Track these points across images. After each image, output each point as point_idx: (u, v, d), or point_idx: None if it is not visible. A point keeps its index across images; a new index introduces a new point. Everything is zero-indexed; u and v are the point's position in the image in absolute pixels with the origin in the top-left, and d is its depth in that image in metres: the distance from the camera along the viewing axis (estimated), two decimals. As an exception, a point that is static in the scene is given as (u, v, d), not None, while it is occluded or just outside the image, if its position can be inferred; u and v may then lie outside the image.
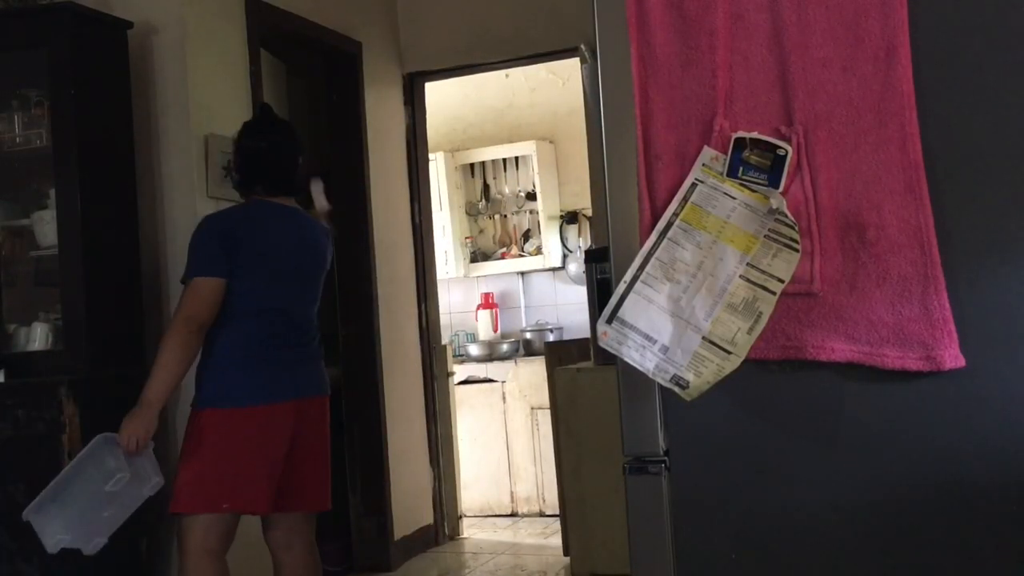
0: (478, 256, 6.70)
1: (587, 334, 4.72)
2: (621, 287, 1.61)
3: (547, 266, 6.51)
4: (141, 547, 3.49)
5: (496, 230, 6.74)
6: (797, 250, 1.54)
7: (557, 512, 4.95)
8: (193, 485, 3.04)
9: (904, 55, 1.53)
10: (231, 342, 3.10)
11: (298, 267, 3.25)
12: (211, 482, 3.04)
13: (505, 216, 6.71)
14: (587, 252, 4.29)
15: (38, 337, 3.53)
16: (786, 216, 1.54)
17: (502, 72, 6.19)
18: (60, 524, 2.93)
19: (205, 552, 3.06)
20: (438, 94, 6.02)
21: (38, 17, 3.55)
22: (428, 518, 5.26)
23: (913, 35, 1.53)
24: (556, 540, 4.94)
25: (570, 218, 6.50)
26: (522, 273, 6.68)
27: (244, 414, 3.07)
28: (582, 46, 4.19)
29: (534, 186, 6.47)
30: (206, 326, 3.07)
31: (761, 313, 1.54)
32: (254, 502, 3.10)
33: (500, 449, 5.99)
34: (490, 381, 6.08)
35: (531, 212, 6.61)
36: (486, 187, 6.72)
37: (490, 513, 5.95)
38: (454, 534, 5.41)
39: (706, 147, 1.60)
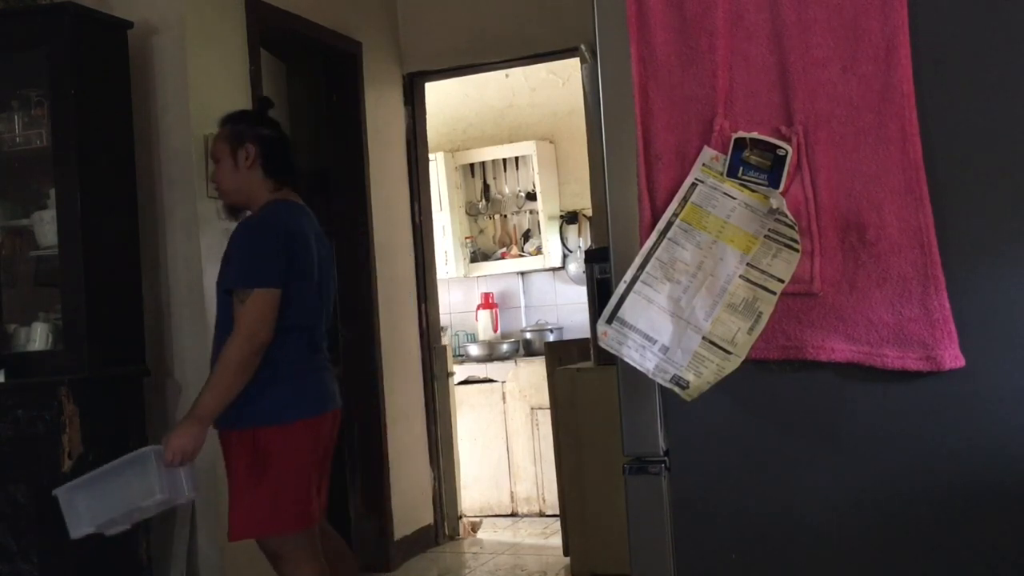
0: (478, 256, 6.70)
1: (587, 334, 4.73)
2: (621, 287, 1.61)
3: (547, 266, 6.50)
4: (141, 548, 3.49)
5: (496, 230, 6.74)
6: (797, 250, 1.54)
7: (557, 512, 4.96)
8: (271, 506, 2.98)
9: (904, 55, 1.53)
10: (281, 356, 2.99)
11: (323, 272, 3.17)
12: (287, 500, 2.99)
13: (505, 216, 6.71)
14: (587, 252, 4.29)
15: (38, 337, 3.53)
16: (786, 216, 1.54)
17: (502, 72, 6.19)
18: (86, 514, 2.90)
19: (314, 559, 3.05)
20: (438, 94, 6.02)
21: (38, 17, 3.55)
22: (428, 518, 5.26)
23: (913, 35, 1.53)
24: (556, 540, 4.94)
25: (570, 218, 6.49)
26: (522, 273, 6.68)
27: (302, 427, 3.01)
28: (582, 46, 4.20)
29: (534, 186, 6.47)
30: (267, 345, 2.94)
31: (761, 313, 1.55)
32: (316, 513, 3.09)
33: (500, 449, 5.99)
34: (490, 381, 6.07)
35: (531, 212, 6.60)
36: (486, 187, 6.71)
37: (490, 513, 5.95)
38: (454, 534, 5.41)
39: (706, 147, 1.61)
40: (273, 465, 2.96)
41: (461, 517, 5.50)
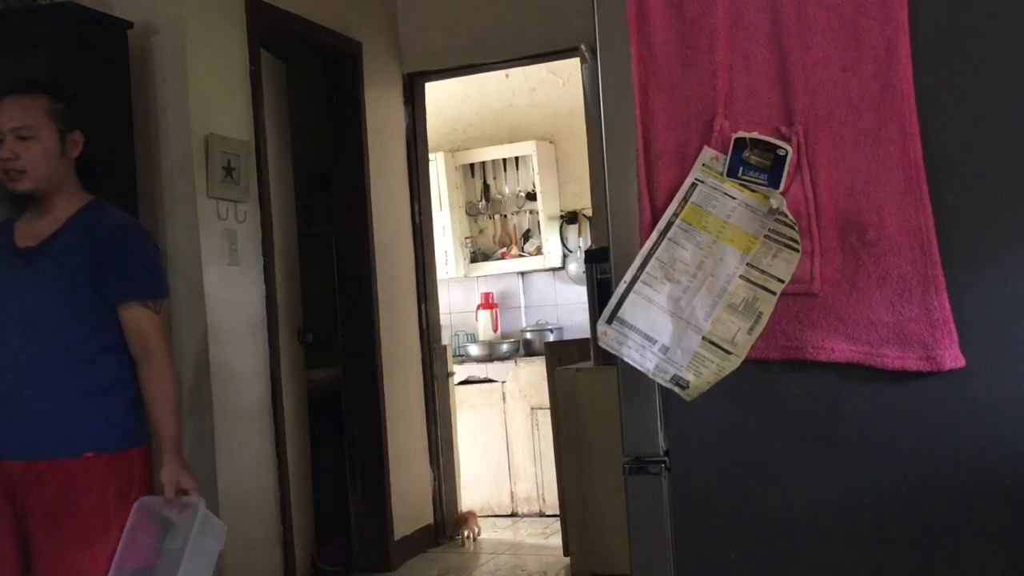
0: (478, 256, 6.70)
1: (587, 334, 4.73)
2: (621, 287, 1.61)
3: (547, 266, 6.50)
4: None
5: (496, 230, 6.74)
6: (797, 250, 1.54)
7: (557, 512, 4.96)
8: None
9: (904, 55, 1.53)
10: (131, 371, 2.64)
11: None
12: None
13: (505, 216, 6.71)
14: (587, 252, 4.29)
15: (38, 337, 3.52)
16: (786, 216, 1.54)
17: (502, 72, 6.19)
18: None
19: None
20: (438, 94, 6.02)
21: (38, 17, 3.55)
22: (428, 518, 5.26)
23: (913, 35, 1.53)
24: (556, 540, 4.94)
25: (570, 218, 6.49)
26: (522, 273, 6.68)
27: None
28: (582, 46, 4.19)
29: (534, 186, 6.47)
30: None
31: (761, 313, 1.55)
32: None
33: (500, 449, 5.99)
34: (490, 381, 6.07)
35: (531, 212, 6.60)
36: (486, 187, 6.71)
37: (490, 513, 5.95)
38: (454, 534, 5.41)
39: (706, 147, 1.61)
40: (135, 492, 2.59)
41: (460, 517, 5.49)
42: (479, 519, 5.54)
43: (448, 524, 5.38)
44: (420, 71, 5.40)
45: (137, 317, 2.61)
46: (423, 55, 5.36)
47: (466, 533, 5.30)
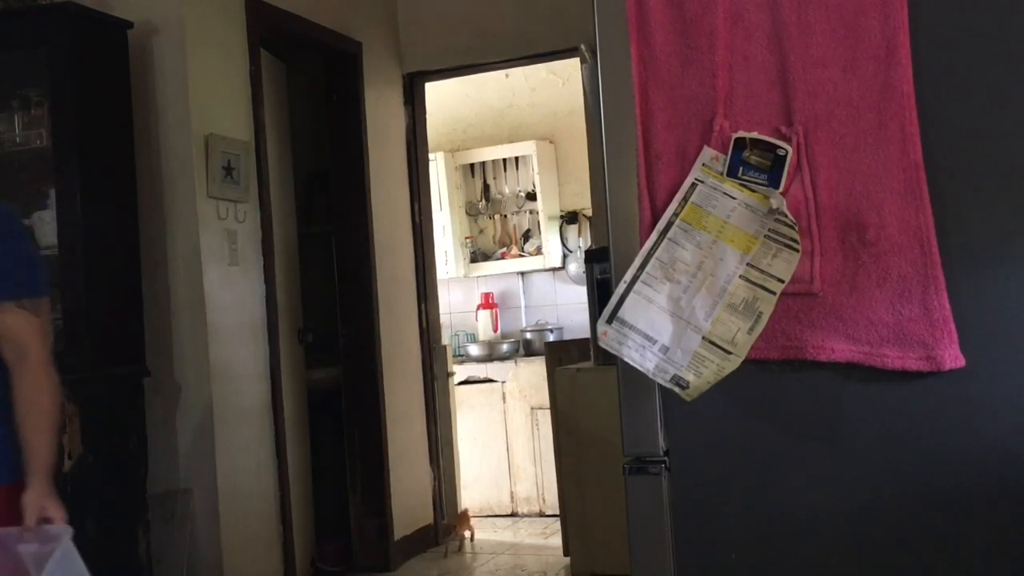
0: (478, 256, 6.70)
1: (587, 334, 4.72)
2: (621, 287, 1.61)
3: (547, 266, 6.50)
4: (140, 546, 3.49)
5: (496, 230, 6.74)
6: (797, 250, 1.54)
7: (557, 512, 4.95)
8: None
9: (904, 55, 1.53)
10: (7, 393, 2.23)
11: None
12: None
13: (505, 216, 6.71)
14: (587, 252, 4.29)
15: (38, 337, 3.52)
16: (786, 216, 1.54)
17: (502, 72, 6.19)
18: None
19: None
20: (438, 94, 6.02)
21: (38, 17, 3.55)
22: (428, 518, 5.26)
23: (913, 35, 1.53)
24: (556, 540, 4.93)
25: (570, 218, 6.49)
26: (522, 273, 6.68)
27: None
28: (582, 46, 4.18)
29: (534, 186, 6.47)
30: None
31: (761, 313, 1.55)
32: None
33: (500, 449, 5.99)
34: (490, 381, 6.07)
35: (531, 212, 6.60)
36: (486, 187, 6.71)
37: (490, 513, 5.95)
38: (451, 537, 5.40)
39: (706, 147, 1.61)
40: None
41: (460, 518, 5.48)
42: (476, 519, 5.54)
43: (449, 524, 5.37)
44: (420, 71, 5.40)
45: (11, 319, 2.21)
46: (423, 55, 5.36)
47: (466, 534, 5.28)
